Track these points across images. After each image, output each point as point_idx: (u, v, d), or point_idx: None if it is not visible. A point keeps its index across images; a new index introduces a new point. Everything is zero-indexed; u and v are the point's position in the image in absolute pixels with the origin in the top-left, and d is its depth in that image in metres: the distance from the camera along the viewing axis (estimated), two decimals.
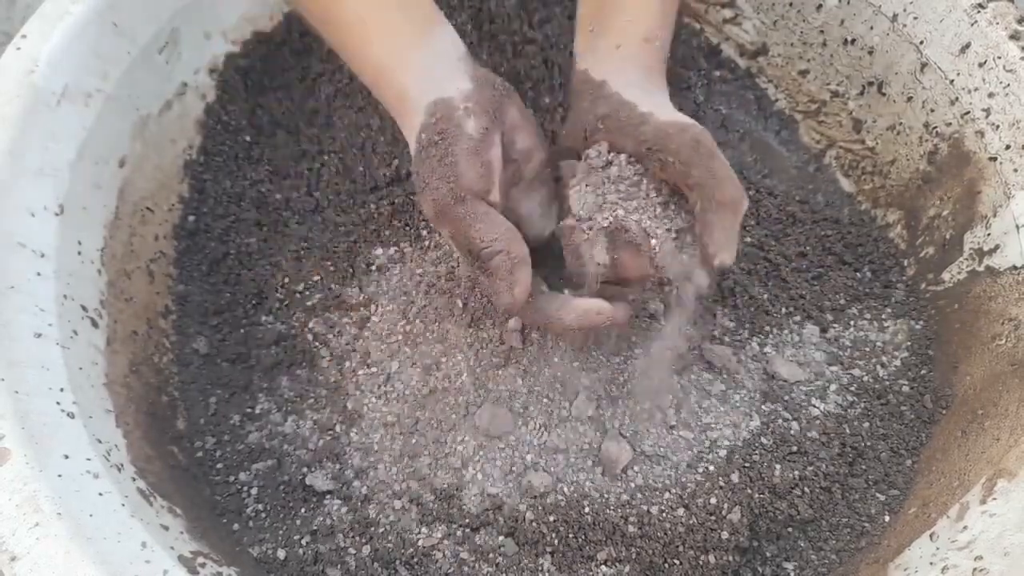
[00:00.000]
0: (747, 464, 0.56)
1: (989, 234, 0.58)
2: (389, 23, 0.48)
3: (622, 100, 0.50)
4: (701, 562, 0.53)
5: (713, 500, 0.55)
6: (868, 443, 0.58)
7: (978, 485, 0.46)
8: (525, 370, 0.59)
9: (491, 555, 0.54)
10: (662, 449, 0.58)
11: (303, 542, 0.55)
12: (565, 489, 0.56)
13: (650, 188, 0.50)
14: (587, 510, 0.55)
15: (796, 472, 0.56)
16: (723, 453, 0.57)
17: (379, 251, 0.66)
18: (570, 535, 0.54)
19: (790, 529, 0.55)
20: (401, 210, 0.68)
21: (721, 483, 0.56)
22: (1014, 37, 0.56)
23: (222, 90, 0.68)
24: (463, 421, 0.58)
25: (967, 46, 0.58)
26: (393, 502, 0.56)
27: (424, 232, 0.67)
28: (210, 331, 0.63)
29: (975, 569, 0.41)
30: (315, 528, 0.56)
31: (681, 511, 0.55)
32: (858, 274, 0.67)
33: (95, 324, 0.54)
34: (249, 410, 0.61)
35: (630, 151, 0.50)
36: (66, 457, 0.45)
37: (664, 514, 0.55)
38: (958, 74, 0.59)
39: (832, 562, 0.53)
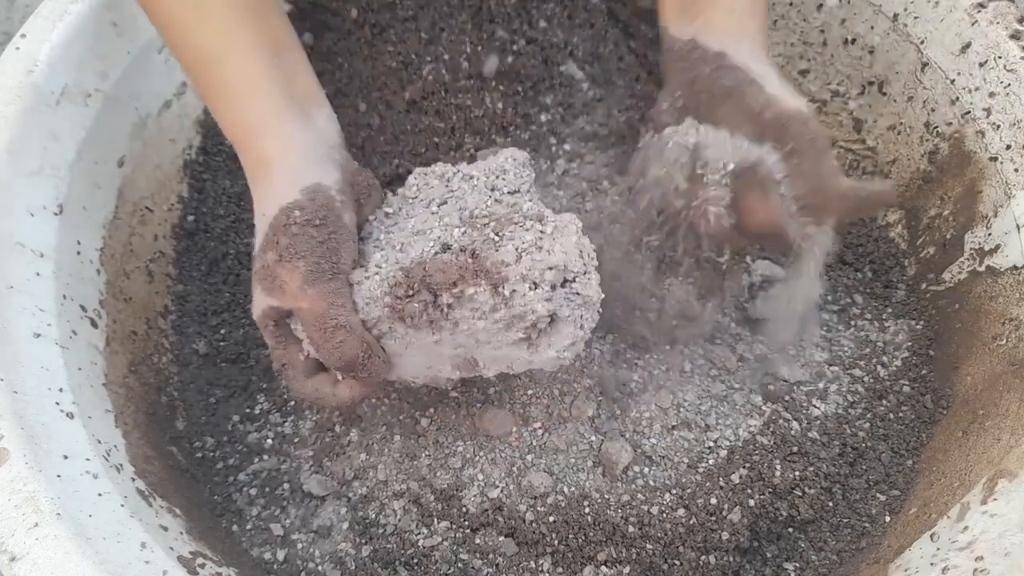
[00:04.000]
0: (747, 464, 0.56)
1: (990, 234, 0.57)
2: (271, 90, 0.48)
3: (748, 77, 0.49)
4: (701, 563, 0.53)
5: (713, 500, 0.55)
6: (869, 443, 0.58)
7: (979, 485, 0.46)
8: None
9: (491, 555, 0.54)
10: (662, 449, 0.58)
11: (303, 542, 0.55)
12: (565, 489, 0.56)
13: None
14: (587, 510, 0.55)
15: (797, 472, 0.56)
16: (723, 453, 0.57)
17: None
18: (570, 535, 0.54)
19: (791, 530, 0.55)
20: None
21: (721, 483, 0.56)
22: (1014, 37, 0.56)
23: None
24: (463, 421, 0.58)
25: (968, 46, 0.58)
26: (393, 502, 0.56)
27: None
28: (210, 331, 0.63)
29: (976, 570, 0.41)
30: (315, 528, 0.56)
31: (681, 511, 0.55)
32: (859, 274, 0.67)
33: (94, 324, 0.54)
34: (248, 410, 0.61)
35: (743, 131, 0.49)
36: (65, 457, 0.45)
37: (664, 515, 0.55)
38: (959, 74, 0.59)
39: (833, 563, 0.53)
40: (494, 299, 0.44)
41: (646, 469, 0.57)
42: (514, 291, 0.44)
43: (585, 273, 0.46)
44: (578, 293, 0.46)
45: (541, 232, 0.46)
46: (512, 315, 0.45)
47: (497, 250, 0.45)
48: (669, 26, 0.54)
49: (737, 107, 0.49)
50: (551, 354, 0.47)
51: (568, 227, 0.47)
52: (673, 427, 0.58)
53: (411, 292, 0.45)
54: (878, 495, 0.56)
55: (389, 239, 0.50)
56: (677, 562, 0.53)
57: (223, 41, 0.47)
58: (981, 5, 0.58)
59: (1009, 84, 0.56)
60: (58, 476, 0.43)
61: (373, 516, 0.56)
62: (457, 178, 0.51)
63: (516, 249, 0.45)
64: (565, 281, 0.46)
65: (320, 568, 0.54)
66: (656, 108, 0.56)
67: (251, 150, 0.48)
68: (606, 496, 0.56)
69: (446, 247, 0.47)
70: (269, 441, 0.59)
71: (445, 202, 0.50)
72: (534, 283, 0.45)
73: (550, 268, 0.45)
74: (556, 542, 0.54)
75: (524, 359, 0.47)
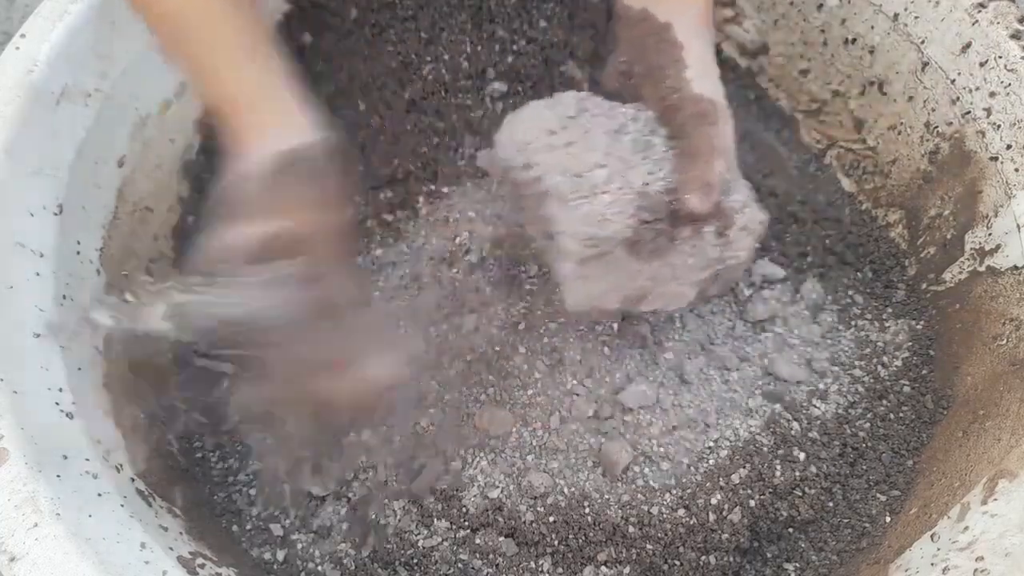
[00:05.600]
0: (748, 464, 0.56)
1: (990, 234, 0.57)
2: (265, 59, 0.49)
3: (675, 56, 0.51)
4: (702, 563, 0.53)
5: (714, 501, 0.55)
6: (869, 443, 0.58)
7: (979, 485, 0.46)
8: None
9: (491, 556, 0.54)
10: (663, 449, 0.57)
11: (303, 542, 0.55)
12: (565, 490, 0.56)
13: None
14: (587, 511, 0.55)
15: (797, 472, 0.56)
16: (724, 453, 0.57)
17: (379, 252, 0.66)
18: (570, 536, 0.54)
19: (791, 530, 0.55)
20: (401, 210, 0.68)
21: (722, 483, 0.56)
22: (1015, 36, 0.56)
23: None
24: (463, 422, 0.58)
25: (968, 45, 0.58)
26: (393, 503, 0.56)
27: (423, 232, 0.67)
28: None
29: (976, 570, 0.41)
30: (314, 529, 0.56)
31: (682, 512, 0.55)
32: (859, 274, 0.67)
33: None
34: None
35: (652, 107, 0.52)
36: (65, 458, 0.45)
37: (665, 515, 0.55)
38: (959, 73, 0.59)
39: (833, 563, 0.53)
40: (718, 240, 0.50)
41: (646, 469, 0.57)
42: (736, 237, 0.50)
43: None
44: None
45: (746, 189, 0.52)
46: (721, 257, 0.50)
47: (728, 196, 0.50)
48: None
49: (656, 86, 0.52)
50: (702, 294, 0.53)
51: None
52: (673, 427, 0.58)
53: (652, 219, 0.48)
54: (878, 495, 0.55)
55: (575, 161, 0.49)
56: (677, 562, 0.53)
57: (201, 5, 0.47)
58: (981, 5, 0.58)
59: (1009, 84, 0.56)
60: (58, 476, 0.43)
61: (373, 516, 0.56)
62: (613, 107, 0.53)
63: (740, 199, 0.51)
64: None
65: (320, 568, 0.54)
66: (605, 72, 0.57)
67: (244, 115, 0.48)
68: (606, 496, 0.56)
69: (670, 185, 0.49)
70: (269, 441, 0.59)
71: (619, 130, 0.51)
72: (748, 232, 0.51)
73: (760, 223, 0.51)
74: (556, 542, 0.54)
75: (686, 297, 0.52)
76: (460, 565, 0.54)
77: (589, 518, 0.55)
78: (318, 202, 0.46)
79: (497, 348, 0.60)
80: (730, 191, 0.50)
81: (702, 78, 0.51)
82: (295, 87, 0.50)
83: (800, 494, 0.55)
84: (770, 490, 0.55)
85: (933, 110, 0.62)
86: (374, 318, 0.51)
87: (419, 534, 0.55)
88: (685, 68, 0.51)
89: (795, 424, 0.58)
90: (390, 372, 0.50)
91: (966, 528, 0.44)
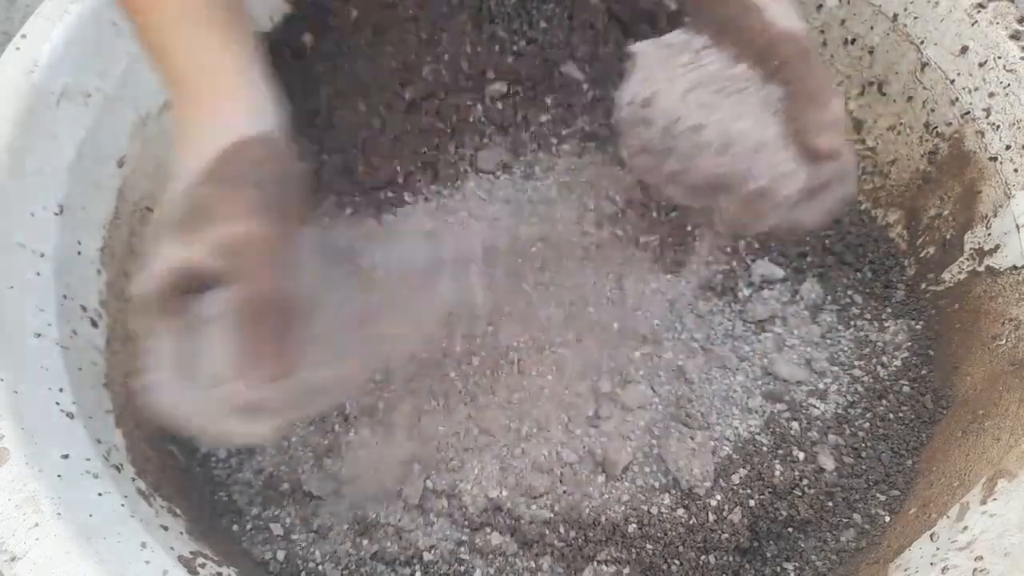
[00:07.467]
0: (748, 464, 0.56)
1: (989, 234, 0.57)
2: (238, 30, 0.45)
3: (748, 4, 0.45)
4: (701, 562, 0.53)
5: (713, 501, 0.55)
6: (868, 443, 0.58)
7: (978, 485, 0.46)
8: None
9: (491, 555, 0.54)
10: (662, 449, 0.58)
11: (303, 542, 0.55)
12: (565, 489, 0.56)
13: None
14: (587, 510, 0.55)
15: (796, 472, 0.56)
16: (724, 453, 0.57)
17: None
18: (570, 535, 0.54)
19: (790, 529, 0.55)
20: (401, 210, 0.68)
21: (722, 483, 0.56)
22: (1014, 37, 0.56)
23: None
24: (464, 421, 0.58)
25: (967, 46, 0.58)
26: (393, 503, 0.56)
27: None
28: None
29: (975, 570, 0.41)
30: (315, 528, 0.56)
31: (681, 511, 0.55)
32: (859, 274, 0.67)
33: (95, 324, 0.54)
34: None
35: (741, 53, 0.46)
36: (66, 457, 0.45)
37: (664, 515, 0.55)
38: (958, 74, 0.59)
39: (832, 562, 0.53)
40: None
41: (646, 468, 0.57)
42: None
43: None
44: None
45: None
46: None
47: None
48: None
49: (738, 35, 0.46)
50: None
51: None
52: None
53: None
54: (878, 495, 0.56)
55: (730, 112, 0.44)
56: (677, 562, 0.53)
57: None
58: (981, 5, 0.58)
59: (1009, 84, 0.56)
60: (58, 476, 0.43)
61: (373, 516, 0.56)
62: None
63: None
64: None
65: (320, 568, 0.54)
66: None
67: (213, 76, 0.44)
68: (606, 496, 0.56)
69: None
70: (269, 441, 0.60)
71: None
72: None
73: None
74: (556, 542, 0.54)
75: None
76: (460, 565, 0.54)
77: (589, 518, 0.55)
78: (270, 208, 0.39)
79: (497, 349, 0.60)
80: None
81: (785, 17, 0.45)
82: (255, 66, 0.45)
83: (800, 494, 0.55)
84: (770, 490, 0.55)
85: (932, 110, 0.62)
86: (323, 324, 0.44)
87: (419, 534, 0.55)
88: (763, 10, 0.45)
89: (794, 424, 0.58)
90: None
91: (965, 528, 0.44)
